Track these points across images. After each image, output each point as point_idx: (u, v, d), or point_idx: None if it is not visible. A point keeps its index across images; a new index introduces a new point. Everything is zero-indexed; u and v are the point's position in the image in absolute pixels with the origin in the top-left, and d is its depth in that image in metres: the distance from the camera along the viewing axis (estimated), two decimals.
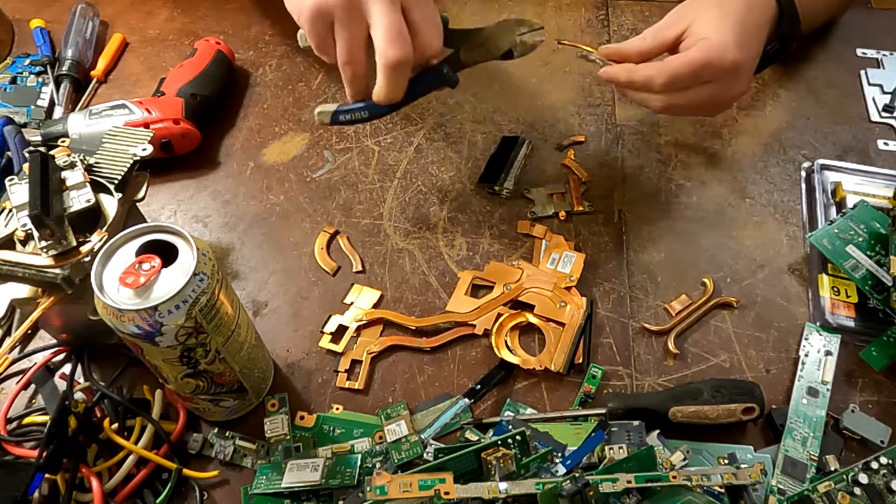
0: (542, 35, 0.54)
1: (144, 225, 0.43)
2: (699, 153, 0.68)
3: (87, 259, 0.47)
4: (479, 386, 0.54)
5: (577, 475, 0.41)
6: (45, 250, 0.47)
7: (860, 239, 0.55)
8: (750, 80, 0.59)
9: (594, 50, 0.61)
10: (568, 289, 0.57)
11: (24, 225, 0.48)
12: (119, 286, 0.41)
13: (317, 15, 0.51)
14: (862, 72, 0.74)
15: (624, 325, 0.57)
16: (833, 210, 0.61)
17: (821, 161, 0.64)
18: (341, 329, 0.57)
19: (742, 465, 0.45)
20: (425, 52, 0.52)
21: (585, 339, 0.55)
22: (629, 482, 0.42)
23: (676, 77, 0.56)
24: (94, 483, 0.47)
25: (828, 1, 0.73)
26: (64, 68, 0.74)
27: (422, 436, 0.51)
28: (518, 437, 0.45)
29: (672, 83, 0.57)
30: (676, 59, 0.57)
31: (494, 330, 0.56)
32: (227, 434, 0.52)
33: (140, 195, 0.54)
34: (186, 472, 0.49)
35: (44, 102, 0.73)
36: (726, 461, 0.48)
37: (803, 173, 0.65)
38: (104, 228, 0.49)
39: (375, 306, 0.59)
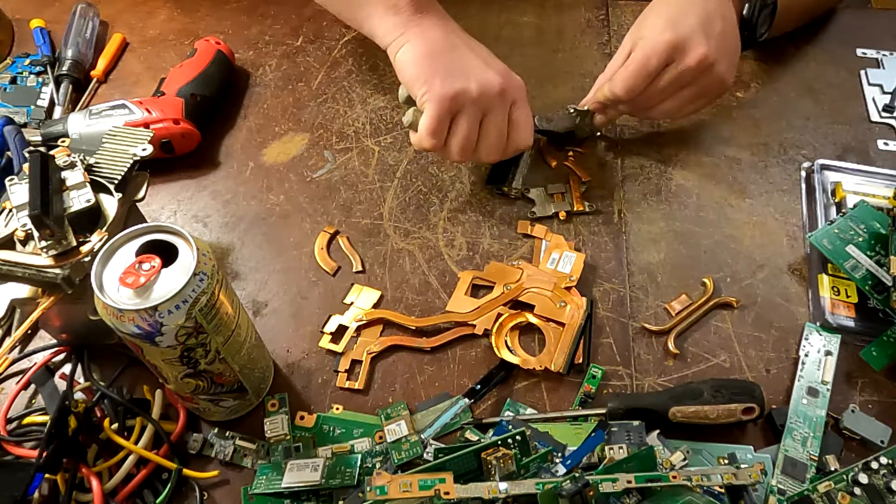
0: (594, 132, 0.66)
1: (144, 225, 0.43)
2: (699, 153, 0.68)
3: (87, 259, 0.47)
4: (479, 386, 0.54)
5: (577, 475, 0.41)
6: (45, 250, 0.47)
7: (860, 239, 0.55)
8: (709, 42, 0.58)
9: (580, 107, 0.66)
10: (568, 289, 0.57)
11: (24, 225, 0.48)
12: (119, 286, 0.41)
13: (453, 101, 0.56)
14: (862, 72, 0.74)
15: (624, 325, 0.57)
16: (833, 210, 0.61)
17: (821, 161, 0.64)
18: (341, 329, 0.57)
19: (742, 465, 0.45)
20: (518, 146, 0.60)
21: (585, 339, 0.55)
22: (629, 482, 0.42)
23: (629, 84, 0.60)
24: (94, 483, 0.47)
25: None
26: (64, 68, 0.74)
27: (422, 436, 0.51)
28: (518, 437, 0.45)
29: (631, 89, 0.60)
30: (622, 69, 0.60)
31: (494, 330, 0.56)
32: (227, 434, 0.52)
33: (140, 195, 0.54)
34: (186, 472, 0.49)
35: (44, 102, 0.73)
36: (726, 461, 0.48)
37: (803, 173, 0.65)
38: (104, 228, 0.49)
39: (375, 306, 0.59)
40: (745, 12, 0.67)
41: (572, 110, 0.65)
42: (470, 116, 0.57)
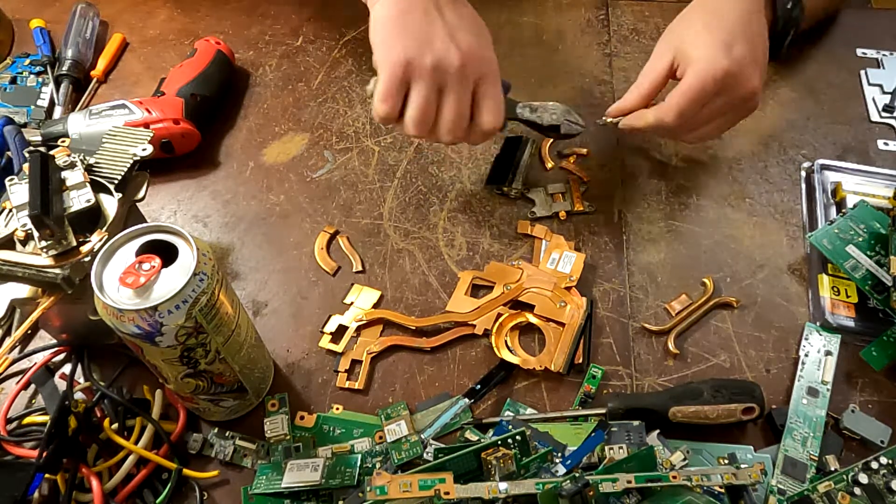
0: (582, 129, 0.61)
1: (144, 225, 0.43)
2: (699, 153, 0.68)
3: (87, 259, 0.47)
4: (479, 386, 0.54)
5: (577, 475, 0.41)
6: (45, 250, 0.47)
7: (860, 239, 0.55)
8: (757, 71, 0.57)
9: (607, 119, 0.62)
10: (568, 289, 0.57)
11: (24, 225, 0.48)
12: (119, 286, 0.41)
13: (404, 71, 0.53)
14: (862, 72, 0.74)
15: (624, 325, 0.57)
16: (833, 210, 0.61)
17: (821, 161, 0.64)
18: (341, 329, 0.57)
19: (742, 465, 0.45)
20: (483, 129, 0.56)
21: (585, 339, 0.55)
22: (629, 482, 0.42)
23: (682, 110, 0.56)
24: (94, 483, 0.47)
25: None
26: (64, 68, 0.74)
27: (422, 436, 0.51)
28: (518, 437, 0.45)
29: (682, 116, 0.57)
30: (675, 95, 0.56)
31: (494, 330, 0.56)
32: (227, 434, 0.52)
33: (140, 195, 0.54)
34: (186, 472, 0.49)
35: (44, 102, 0.73)
36: (726, 461, 0.48)
37: (803, 173, 0.65)
38: (104, 228, 0.49)
39: (375, 306, 0.59)
40: (775, 25, 0.64)
41: (602, 122, 0.62)
42: (423, 89, 0.53)
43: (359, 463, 0.49)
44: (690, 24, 0.59)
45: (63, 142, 0.59)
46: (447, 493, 0.40)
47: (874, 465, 0.47)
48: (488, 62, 0.55)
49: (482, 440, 0.49)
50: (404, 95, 0.54)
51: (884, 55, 0.75)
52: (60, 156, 0.52)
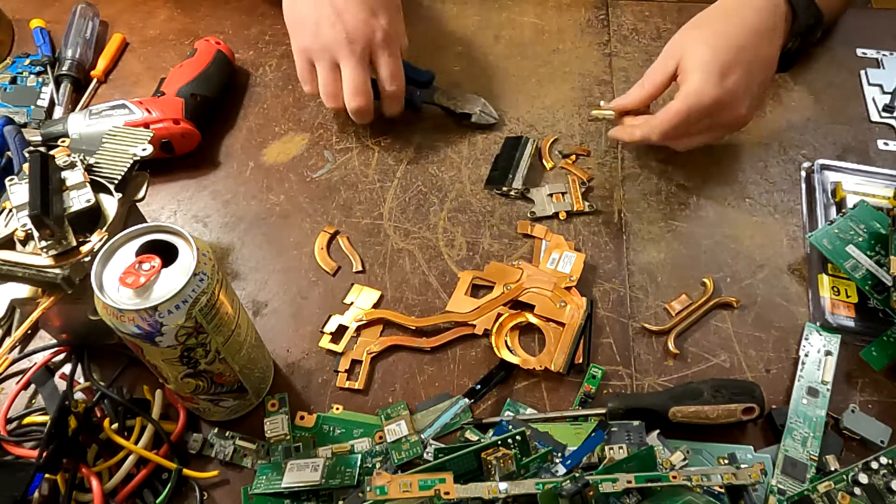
0: (494, 121, 0.70)
1: (144, 225, 0.43)
2: (699, 153, 0.68)
3: (87, 259, 0.47)
4: (479, 386, 0.54)
5: (577, 475, 0.41)
6: (45, 250, 0.47)
7: (860, 239, 0.55)
8: (748, 99, 0.59)
9: (604, 109, 0.64)
10: (568, 289, 0.57)
11: (24, 225, 0.48)
12: (119, 286, 0.41)
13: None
14: (862, 72, 0.74)
15: (624, 325, 0.57)
16: (833, 210, 0.61)
17: (821, 161, 0.64)
18: (341, 329, 0.57)
19: (742, 465, 0.45)
20: (384, 92, 0.65)
21: (585, 339, 0.55)
22: (629, 482, 0.42)
23: (667, 131, 0.59)
24: (94, 483, 0.47)
25: None
26: (64, 68, 0.74)
27: (422, 436, 0.51)
28: (518, 437, 0.45)
29: (667, 135, 0.59)
30: (661, 115, 0.59)
31: (494, 330, 0.56)
32: (227, 434, 0.52)
33: (140, 195, 0.54)
34: (186, 472, 0.49)
35: (44, 102, 0.73)
36: (726, 461, 0.48)
37: (803, 173, 0.65)
38: (104, 228, 0.49)
39: (375, 306, 0.59)
40: (787, 45, 0.65)
41: (592, 117, 0.65)
42: (322, 69, 0.63)
43: (359, 463, 0.49)
44: (696, 38, 0.60)
45: (63, 142, 0.59)
46: (447, 493, 0.40)
47: (874, 465, 0.47)
48: (379, 32, 0.63)
49: (482, 440, 0.49)
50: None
51: (884, 55, 0.75)
52: (60, 156, 0.52)
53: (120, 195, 0.52)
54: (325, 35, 0.62)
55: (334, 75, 0.63)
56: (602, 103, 0.65)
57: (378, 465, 0.50)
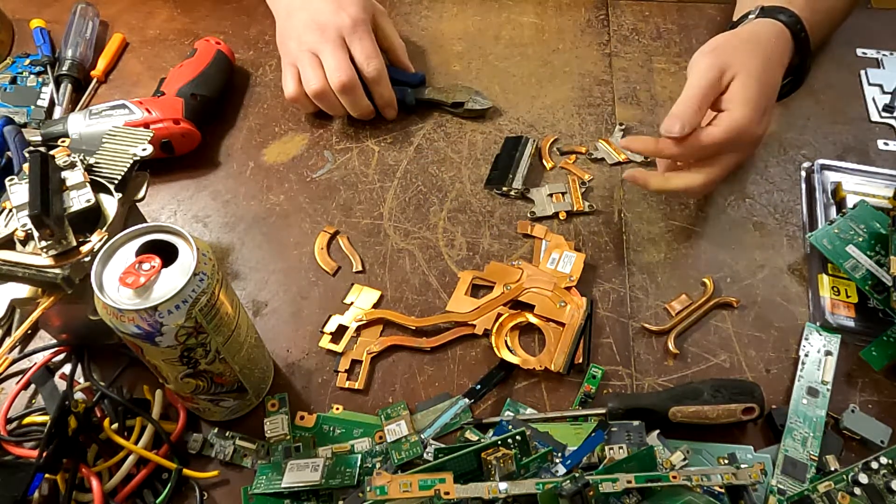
0: (489, 106, 0.71)
1: (144, 225, 0.43)
2: None
3: (87, 259, 0.47)
4: (479, 386, 0.54)
5: (577, 475, 0.41)
6: (45, 250, 0.47)
7: (860, 239, 0.55)
8: (765, 127, 0.59)
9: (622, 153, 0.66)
10: (568, 289, 0.57)
11: (24, 225, 0.48)
12: (119, 286, 0.41)
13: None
14: (862, 72, 0.74)
15: (624, 325, 0.57)
16: (833, 210, 0.61)
17: (821, 161, 0.64)
18: (341, 329, 0.57)
19: (742, 465, 0.45)
20: (364, 73, 0.67)
21: (585, 339, 0.55)
22: (629, 482, 0.41)
23: (717, 179, 0.57)
24: (94, 483, 0.47)
25: (832, 19, 0.70)
26: (64, 68, 0.74)
27: (422, 436, 0.51)
28: (518, 437, 0.45)
29: (709, 185, 0.58)
30: (706, 169, 0.57)
31: (494, 330, 0.56)
32: (227, 434, 0.52)
33: (140, 195, 0.54)
34: (186, 472, 0.49)
35: (44, 102, 0.73)
36: (726, 461, 0.48)
37: (803, 173, 0.65)
38: (104, 228, 0.49)
39: (375, 306, 0.59)
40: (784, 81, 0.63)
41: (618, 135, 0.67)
42: (304, 64, 0.67)
43: (359, 463, 0.49)
44: (744, 66, 0.56)
45: (63, 142, 0.59)
46: (447, 493, 0.40)
47: (874, 465, 0.47)
48: (347, 19, 0.67)
49: (482, 440, 0.49)
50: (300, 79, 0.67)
51: (884, 55, 0.75)
52: (60, 156, 0.52)
53: (120, 195, 0.52)
54: (302, 37, 0.67)
55: (315, 66, 0.66)
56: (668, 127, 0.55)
57: (378, 465, 0.50)
